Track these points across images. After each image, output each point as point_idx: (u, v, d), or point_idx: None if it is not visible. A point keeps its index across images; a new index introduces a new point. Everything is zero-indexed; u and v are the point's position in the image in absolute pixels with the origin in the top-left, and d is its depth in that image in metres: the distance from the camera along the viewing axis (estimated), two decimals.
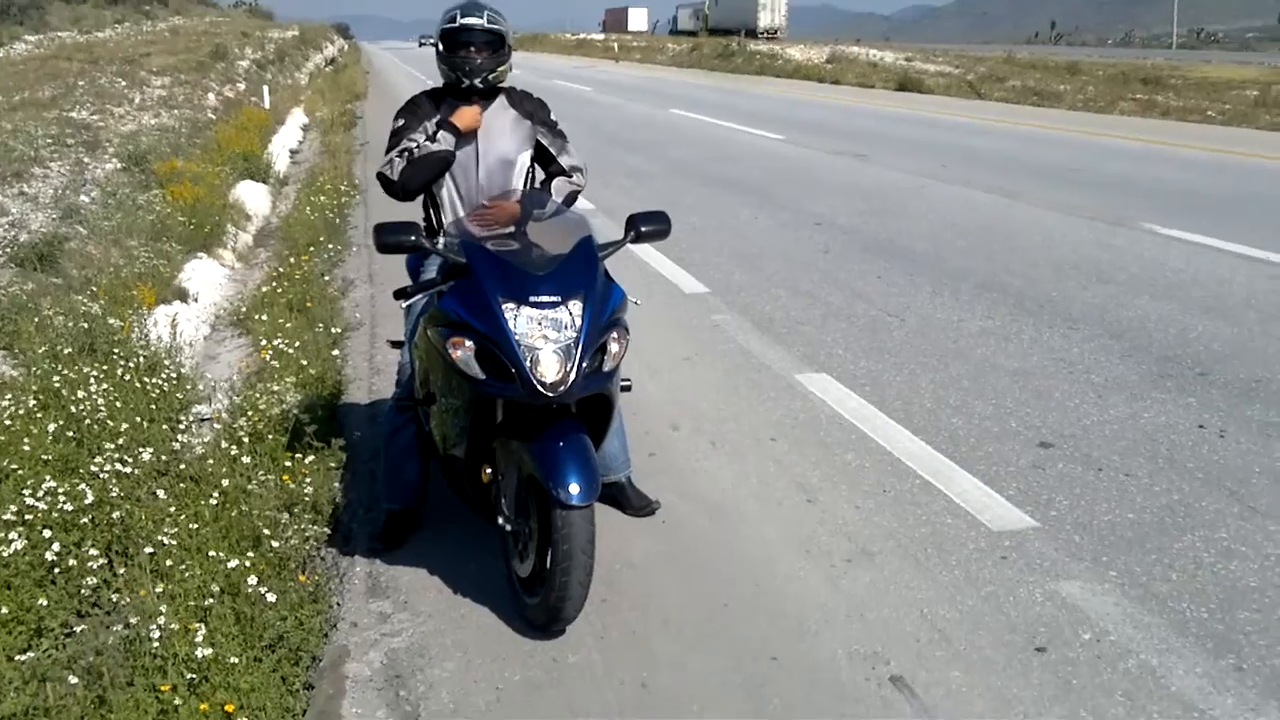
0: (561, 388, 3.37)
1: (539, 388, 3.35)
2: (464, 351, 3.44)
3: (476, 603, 3.84)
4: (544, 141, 4.41)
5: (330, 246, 9.52)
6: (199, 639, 3.21)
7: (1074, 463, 4.91)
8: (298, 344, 6.20)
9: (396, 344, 4.63)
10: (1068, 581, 3.90)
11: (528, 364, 3.35)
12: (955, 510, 4.47)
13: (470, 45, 4.20)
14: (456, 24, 4.18)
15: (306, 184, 13.02)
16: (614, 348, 3.57)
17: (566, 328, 3.42)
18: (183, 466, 4.48)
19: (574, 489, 3.34)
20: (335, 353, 6.37)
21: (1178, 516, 4.38)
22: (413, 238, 3.72)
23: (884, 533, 4.30)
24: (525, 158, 4.38)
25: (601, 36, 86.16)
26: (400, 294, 3.91)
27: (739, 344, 6.80)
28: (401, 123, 4.30)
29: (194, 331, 7.03)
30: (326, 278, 8.49)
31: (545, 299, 3.43)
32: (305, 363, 5.88)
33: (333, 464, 4.68)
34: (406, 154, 4.21)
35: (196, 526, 3.92)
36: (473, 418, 3.58)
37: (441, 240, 3.93)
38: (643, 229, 4.00)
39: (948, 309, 7.44)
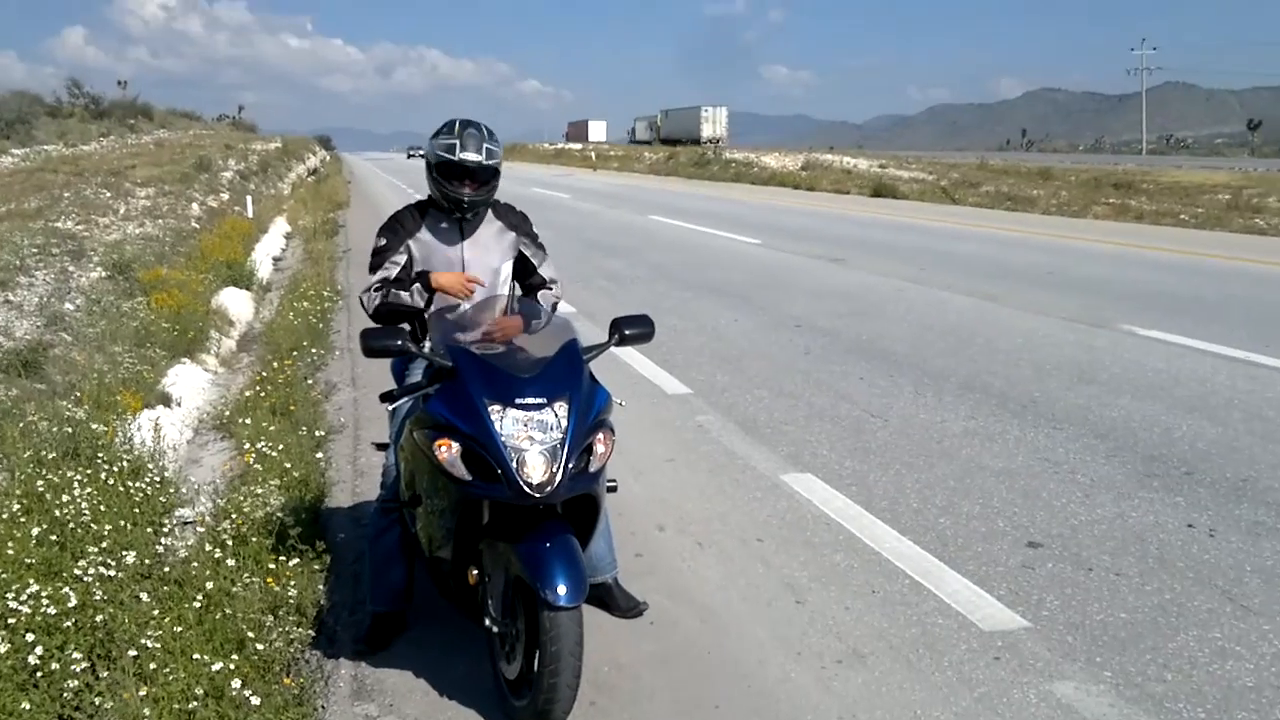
0: (548, 488, 3.38)
1: (525, 489, 3.35)
2: (450, 453, 3.44)
3: (463, 705, 3.77)
4: (526, 253, 4.47)
5: (314, 351, 9.53)
6: None
7: (1064, 562, 4.89)
8: (281, 447, 6.17)
9: (381, 446, 4.62)
10: (1062, 682, 3.86)
11: (514, 465, 3.36)
12: (946, 610, 4.44)
13: (466, 178, 4.20)
14: (455, 158, 4.15)
15: (290, 290, 13.07)
16: (600, 448, 3.58)
17: (552, 429, 3.44)
18: (166, 570, 4.42)
19: (561, 590, 3.32)
20: (319, 455, 6.35)
21: (1170, 616, 4.35)
22: (399, 342, 3.76)
23: (875, 633, 4.27)
24: (508, 268, 4.45)
25: (579, 146, 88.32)
26: (386, 397, 3.91)
27: (723, 445, 6.80)
28: (384, 242, 4.33)
29: (177, 436, 6.99)
30: (310, 381, 8.48)
31: (531, 401, 3.45)
32: (289, 465, 5.84)
33: (317, 567, 4.63)
34: (384, 291, 4.24)
35: (180, 630, 3.85)
36: (459, 519, 3.57)
37: (428, 344, 3.96)
38: (627, 332, 4.05)
39: (931, 409, 7.47)
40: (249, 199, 21.80)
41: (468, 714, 3.74)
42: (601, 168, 61.11)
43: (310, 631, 4.20)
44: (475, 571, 3.68)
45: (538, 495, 3.36)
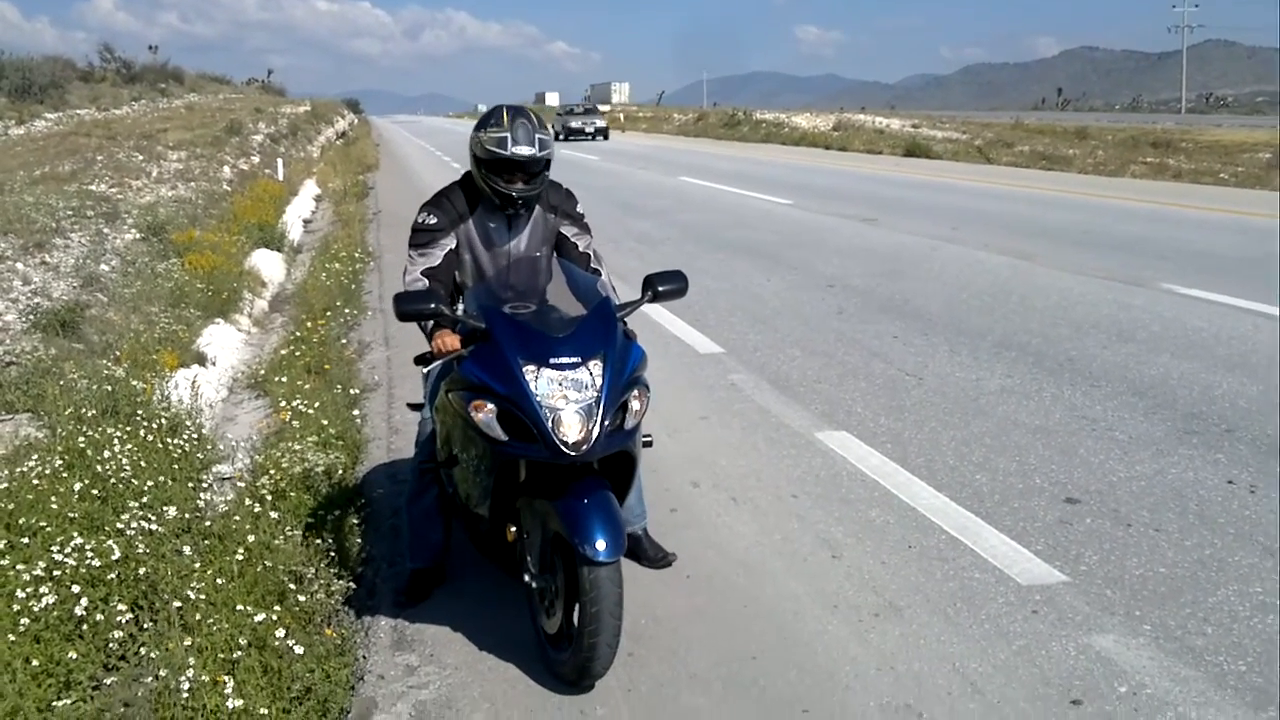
0: (584, 447, 3.39)
1: (561, 447, 3.37)
2: (485, 414, 3.46)
3: (502, 656, 3.80)
4: (566, 233, 4.31)
5: (346, 311, 9.58)
6: (228, 691, 3.19)
7: (1102, 518, 4.86)
8: (317, 405, 6.22)
9: (415, 406, 4.64)
10: (1101, 635, 3.85)
11: (549, 424, 3.37)
12: (983, 565, 4.43)
13: (518, 172, 4.02)
14: (507, 153, 3.95)
15: (321, 251, 13.12)
16: (635, 405, 3.59)
17: (587, 388, 3.45)
18: (207, 524, 4.48)
19: (600, 545, 3.34)
20: (355, 413, 6.39)
21: (1210, 571, 4.32)
22: (432, 305, 3.73)
23: (911, 587, 4.26)
24: (547, 250, 4.30)
25: (607, 107, 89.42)
26: (421, 359, 3.92)
27: (756, 403, 6.78)
28: (433, 220, 4.13)
29: (213, 394, 7.06)
30: (343, 341, 8.53)
31: (565, 360, 3.46)
32: (325, 422, 5.89)
33: (355, 520, 4.68)
34: (427, 281, 4.05)
35: (222, 582, 3.91)
36: (496, 478, 3.59)
37: (461, 307, 3.94)
38: (660, 288, 4.00)
39: (966, 368, 7.43)
40: (279, 162, 21.89)
41: (506, 663, 3.76)
42: (630, 129, 60.87)
43: (350, 584, 4.24)
44: (514, 529, 3.70)
45: (574, 454, 3.38)
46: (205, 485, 5.08)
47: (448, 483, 4.02)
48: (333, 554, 4.33)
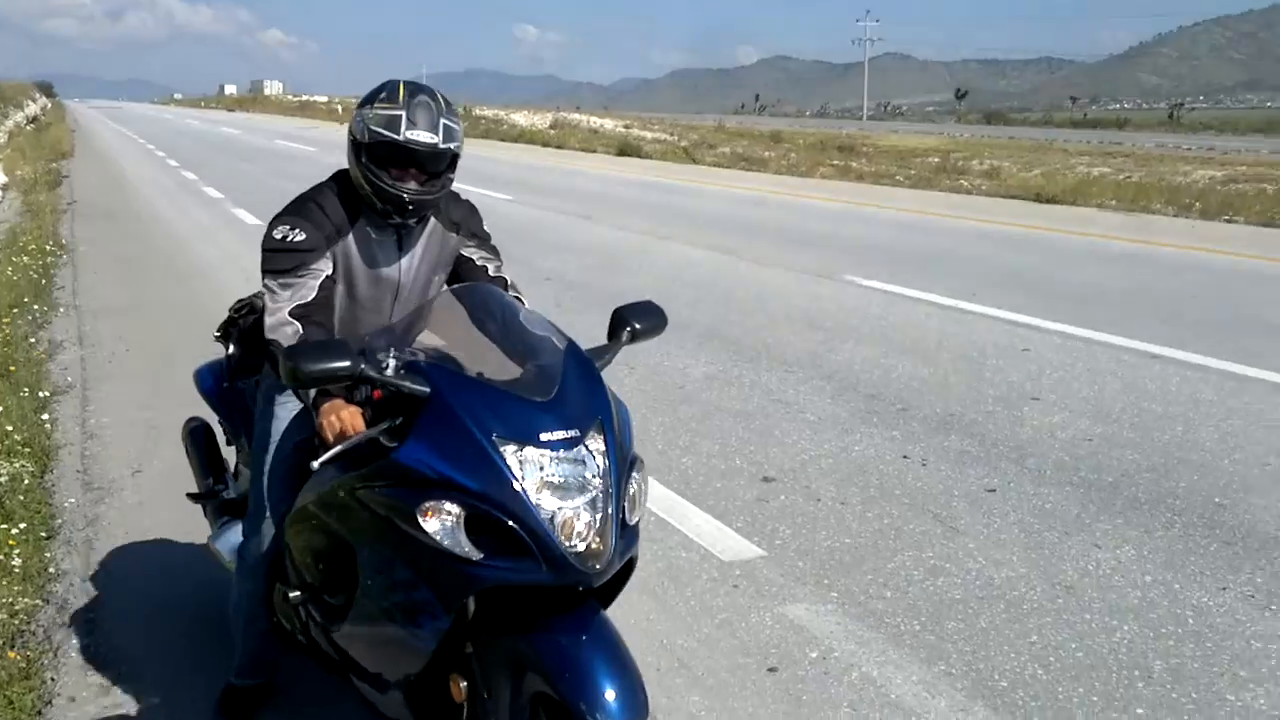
0: (603, 559, 2.40)
1: (572, 563, 2.35)
2: (444, 519, 2.36)
3: (204, 675, 3.67)
4: (471, 257, 3.26)
5: (35, 308, 8.96)
6: None
7: (795, 494, 5.19)
8: (0, 410, 5.80)
9: (197, 498, 3.86)
10: (794, 605, 4.11)
11: (551, 530, 2.36)
12: (689, 544, 4.64)
13: (412, 166, 2.93)
14: (399, 138, 2.86)
15: (7, 244, 12.19)
16: (633, 489, 2.56)
17: (591, 473, 2.44)
18: None
19: (613, 702, 2.28)
20: (44, 417, 6.00)
21: (889, 539, 4.70)
22: (346, 363, 2.46)
23: None
24: (441, 279, 3.25)
25: (325, 99, 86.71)
26: (306, 452, 2.84)
27: None
28: (302, 237, 2.92)
29: None
30: (32, 340, 7.96)
31: (558, 435, 2.43)
32: (10, 428, 5.51)
33: (44, 533, 4.42)
34: (298, 324, 2.83)
35: None
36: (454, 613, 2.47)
37: (390, 364, 2.54)
38: (637, 325, 3.00)
39: (675, 357, 7.72)
40: None
41: (212, 672, 3.64)
42: (348, 121, 59.45)
43: (38, 601, 3.99)
44: (463, 683, 2.53)
45: (587, 571, 2.37)
46: None
47: (301, 620, 3.03)
48: (16, 570, 4.06)
